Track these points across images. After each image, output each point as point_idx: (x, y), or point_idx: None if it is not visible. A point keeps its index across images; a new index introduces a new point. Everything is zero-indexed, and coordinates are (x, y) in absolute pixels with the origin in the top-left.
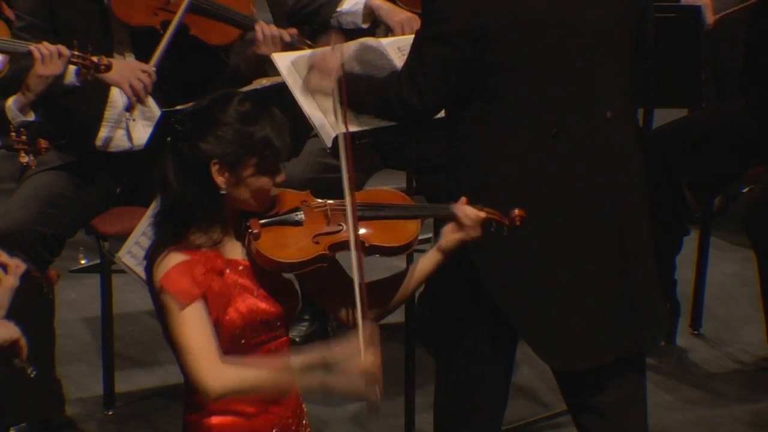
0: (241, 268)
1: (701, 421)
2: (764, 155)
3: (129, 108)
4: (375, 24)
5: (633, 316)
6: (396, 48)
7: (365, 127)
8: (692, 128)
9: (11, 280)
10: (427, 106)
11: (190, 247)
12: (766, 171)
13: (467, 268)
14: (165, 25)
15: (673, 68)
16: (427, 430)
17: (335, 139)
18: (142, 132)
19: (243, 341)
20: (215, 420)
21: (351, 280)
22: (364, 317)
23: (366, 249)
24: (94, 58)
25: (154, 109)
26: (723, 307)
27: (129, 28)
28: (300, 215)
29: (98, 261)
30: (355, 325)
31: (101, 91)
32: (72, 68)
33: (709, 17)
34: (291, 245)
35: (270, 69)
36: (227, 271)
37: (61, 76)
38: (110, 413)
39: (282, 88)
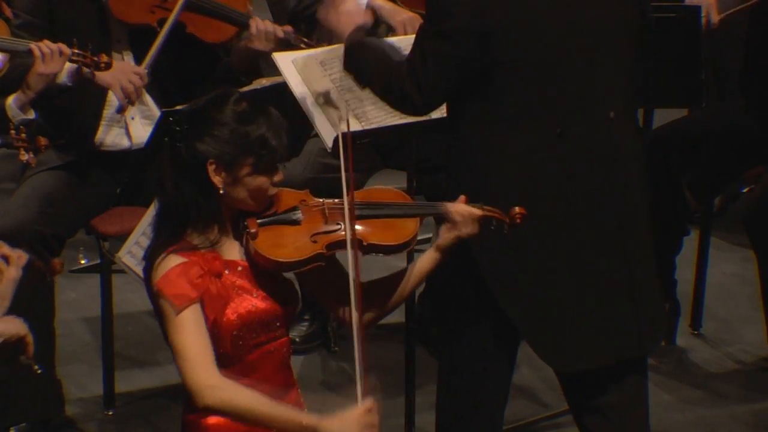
0: (240, 268)
1: (701, 421)
2: (764, 155)
3: (120, 110)
4: (376, 24)
5: (634, 317)
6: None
7: (366, 127)
8: (692, 128)
9: (13, 272)
10: (426, 101)
11: (188, 248)
12: (766, 171)
13: (469, 266)
14: (162, 23)
15: (673, 68)
16: (427, 430)
17: (335, 139)
18: (141, 131)
19: (241, 342)
20: (213, 420)
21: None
22: (358, 316)
23: (364, 247)
24: (94, 57)
25: (153, 108)
26: (723, 307)
27: (127, 26)
28: (298, 214)
29: (98, 261)
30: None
31: (100, 91)
32: (65, 67)
33: (714, 16)
34: (288, 244)
35: (263, 65)
36: (226, 272)
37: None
38: (110, 413)
39: (282, 88)
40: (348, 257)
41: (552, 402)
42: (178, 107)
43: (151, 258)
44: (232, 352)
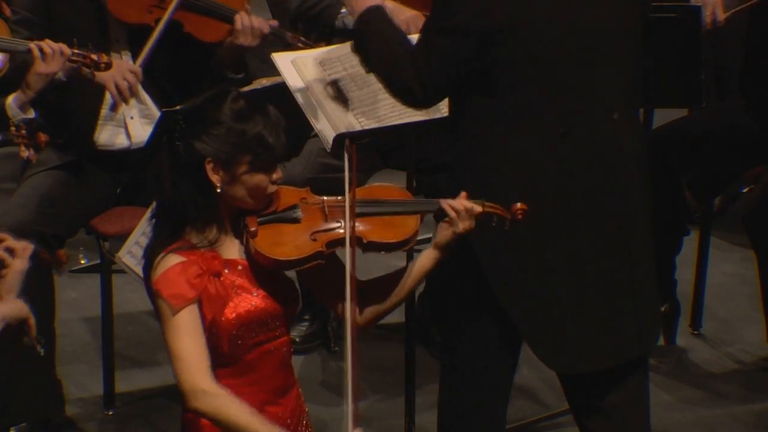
0: (240, 267)
1: (701, 421)
2: (764, 155)
3: (114, 107)
4: None
5: (634, 318)
6: None
7: (365, 127)
8: (692, 128)
9: (19, 264)
10: (427, 96)
11: (187, 247)
12: (766, 171)
13: (470, 264)
14: (159, 22)
15: (673, 68)
16: (428, 430)
17: (335, 139)
18: (140, 130)
19: (240, 342)
20: None
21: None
22: (352, 316)
23: (364, 245)
24: (94, 56)
25: (152, 108)
26: (723, 307)
27: (125, 26)
28: (297, 212)
29: (98, 261)
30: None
31: (97, 90)
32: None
33: (720, 14)
34: (288, 243)
35: (263, 65)
36: (225, 271)
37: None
38: (110, 413)
39: (282, 88)
40: (346, 255)
41: (552, 402)
42: (178, 107)
43: (150, 257)
44: (231, 351)
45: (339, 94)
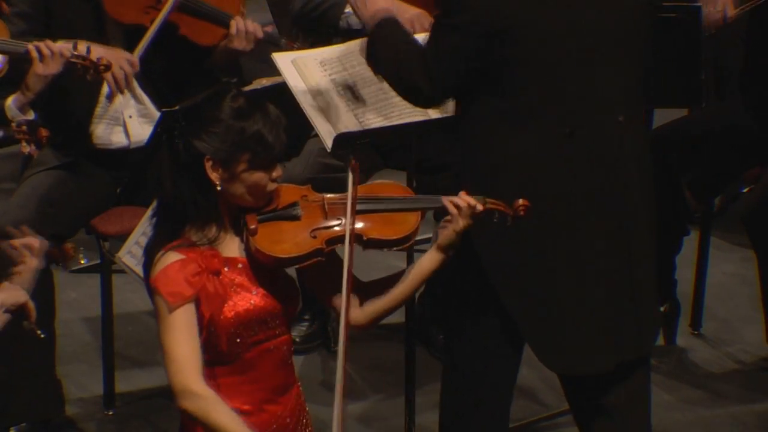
0: (240, 266)
1: (701, 421)
2: (764, 155)
3: (110, 96)
4: None
5: (634, 320)
6: None
7: (365, 127)
8: (692, 128)
9: (35, 262)
10: (435, 93)
11: (186, 245)
12: (765, 171)
13: (471, 261)
14: (154, 22)
15: (673, 68)
16: (428, 430)
17: (335, 139)
18: (139, 129)
19: (239, 340)
20: None
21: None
22: (346, 317)
23: (364, 242)
24: (93, 58)
25: (150, 107)
26: (723, 307)
27: (122, 26)
28: (297, 210)
29: (98, 261)
30: (350, 323)
31: (93, 88)
32: None
33: (730, 10)
34: (288, 240)
35: (263, 65)
36: (225, 269)
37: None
38: (110, 413)
39: (282, 88)
40: (345, 256)
41: (552, 402)
42: (178, 107)
43: (149, 254)
44: (231, 350)
45: (339, 94)
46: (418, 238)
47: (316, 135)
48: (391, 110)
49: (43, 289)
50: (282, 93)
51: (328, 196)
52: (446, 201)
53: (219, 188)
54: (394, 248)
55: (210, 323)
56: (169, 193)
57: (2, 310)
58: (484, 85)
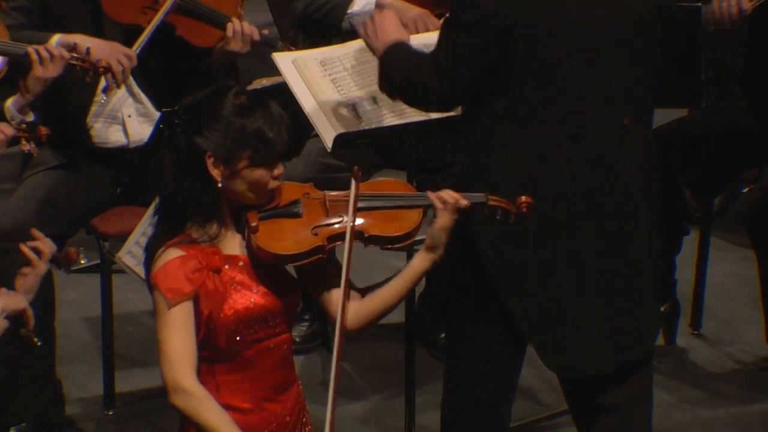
0: (241, 263)
1: (701, 421)
2: (764, 155)
3: (106, 89)
4: None
5: (634, 320)
6: None
7: (365, 127)
8: (692, 128)
9: (43, 266)
10: (447, 94)
11: (187, 242)
12: (764, 171)
13: (473, 259)
14: (151, 23)
15: (673, 68)
16: (428, 430)
17: (335, 140)
18: (138, 128)
19: (239, 338)
20: None
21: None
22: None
23: (365, 239)
24: (92, 59)
25: (149, 107)
26: (723, 307)
27: (121, 26)
28: (299, 207)
29: (98, 261)
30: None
31: (89, 87)
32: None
33: (746, 2)
34: (289, 237)
35: (263, 65)
36: (226, 267)
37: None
38: (110, 413)
39: (282, 88)
40: (344, 257)
41: (552, 402)
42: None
43: (150, 251)
44: (230, 347)
45: (339, 94)
46: (418, 238)
47: (316, 135)
48: (392, 110)
49: (43, 288)
50: (282, 93)
51: (330, 193)
52: (432, 196)
53: (220, 185)
54: (396, 245)
55: (209, 320)
56: (171, 190)
57: (2, 316)
58: (491, 86)
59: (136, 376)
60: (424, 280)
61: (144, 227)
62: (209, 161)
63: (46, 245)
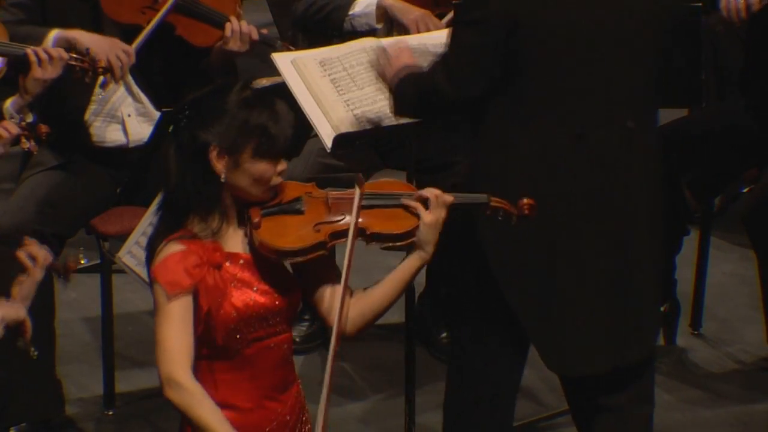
0: (241, 261)
1: (701, 421)
2: (764, 155)
3: (104, 84)
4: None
5: (633, 322)
6: None
7: (364, 127)
8: (692, 128)
9: (38, 273)
10: (457, 93)
11: (188, 236)
12: (763, 171)
13: (478, 259)
14: (151, 22)
15: (674, 68)
16: (428, 430)
17: (335, 140)
18: (138, 128)
19: (239, 336)
20: None
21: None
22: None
23: (367, 236)
24: (92, 61)
25: (149, 106)
26: (723, 307)
27: (119, 26)
28: (301, 205)
29: (98, 261)
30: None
31: (88, 86)
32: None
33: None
34: (291, 233)
35: (263, 65)
36: (227, 264)
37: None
38: (110, 413)
39: (282, 88)
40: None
41: (552, 402)
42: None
43: (152, 246)
44: (230, 345)
45: (338, 94)
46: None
47: (316, 135)
48: (391, 110)
49: (42, 288)
50: (282, 93)
51: (332, 192)
52: (417, 194)
53: (223, 178)
54: (398, 243)
55: (207, 316)
56: (174, 185)
57: (1, 326)
58: (498, 85)
59: (136, 376)
60: (424, 280)
61: (144, 227)
62: (213, 153)
63: (41, 252)
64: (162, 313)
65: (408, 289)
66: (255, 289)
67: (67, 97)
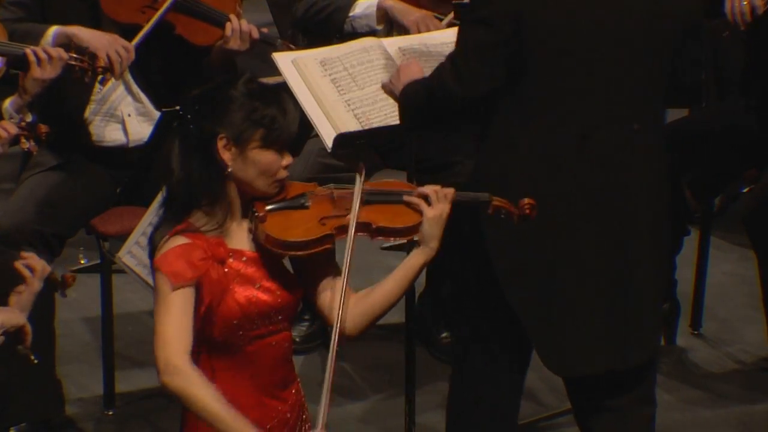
0: (244, 258)
1: (701, 421)
2: (764, 155)
3: (104, 80)
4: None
5: (634, 323)
6: (397, 48)
7: (365, 127)
8: (692, 128)
9: (36, 284)
10: (465, 92)
11: (193, 231)
12: (763, 172)
13: (481, 258)
14: (150, 21)
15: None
16: (428, 430)
17: (335, 140)
18: (138, 127)
19: (240, 333)
20: None
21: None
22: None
23: (372, 230)
24: (92, 61)
25: (149, 106)
26: (723, 307)
27: (119, 25)
28: (306, 200)
29: (98, 261)
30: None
31: (88, 85)
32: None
33: (758, 0)
34: (297, 226)
35: (263, 65)
36: (230, 260)
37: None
38: (110, 413)
39: (282, 88)
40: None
41: (552, 402)
42: (177, 107)
43: (155, 239)
44: (230, 341)
45: (339, 94)
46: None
47: (316, 135)
48: (391, 110)
49: (42, 288)
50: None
51: (337, 188)
52: (417, 191)
53: (230, 170)
54: (402, 237)
55: (208, 310)
56: (179, 179)
57: (0, 332)
58: (504, 85)
59: (136, 376)
60: (424, 280)
61: (144, 227)
62: (220, 143)
63: (39, 263)
64: (164, 302)
65: (408, 289)
66: (258, 286)
67: (67, 96)
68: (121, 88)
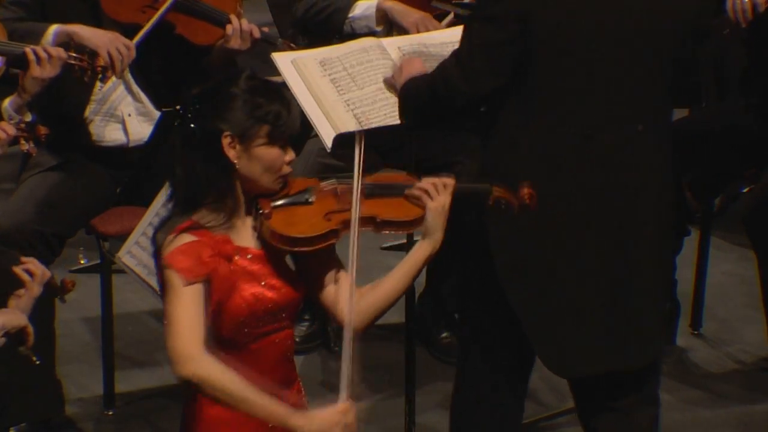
0: (250, 256)
1: (701, 421)
2: (764, 155)
3: (104, 79)
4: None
5: (634, 324)
6: (396, 48)
7: (365, 127)
8: (692, 128)
9: (36, 289)
10: (470, 89)
11: (199, 228)
12: (762, 172)
13: (480, 256)
14: (150, 21)
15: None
16: (428, 430)
17: (335, 140)
18: (138, 127)
19: (246, 330)
20: (212, 411)
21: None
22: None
23: (377, 224)
24: (91, 60)
25: (149, 106)
26: (723, 307)
27: (119, 25)
28: (310, 195)
29: (98, 261)
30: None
31: (87, 85)
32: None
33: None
34: (303, 222)
35: (263, 65)
36: (236, 257)
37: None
38: (110, 413)
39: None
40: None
41: (552, 402)
42: (178, 107)
43: (158, 239)
44: (236, 339)
45: (339, 94)
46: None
47: (316, 135)
48: (391, 110)
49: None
50: None
51: (340, 183)
52: (417, 185)
53: (236, 167)
54: (408, 230)
55: (217, 307)
56: (183, 177)
57: (1, 333)
58: (510, 85)
59: (136, 376)
60: (424, 280)
61: (144, 227)
62: (225, 141)
63: (39, 268)
64: (176, 296)
65: (413, 282)
66: (263, 284)
67: (66, 96)
68: (121, 88)
